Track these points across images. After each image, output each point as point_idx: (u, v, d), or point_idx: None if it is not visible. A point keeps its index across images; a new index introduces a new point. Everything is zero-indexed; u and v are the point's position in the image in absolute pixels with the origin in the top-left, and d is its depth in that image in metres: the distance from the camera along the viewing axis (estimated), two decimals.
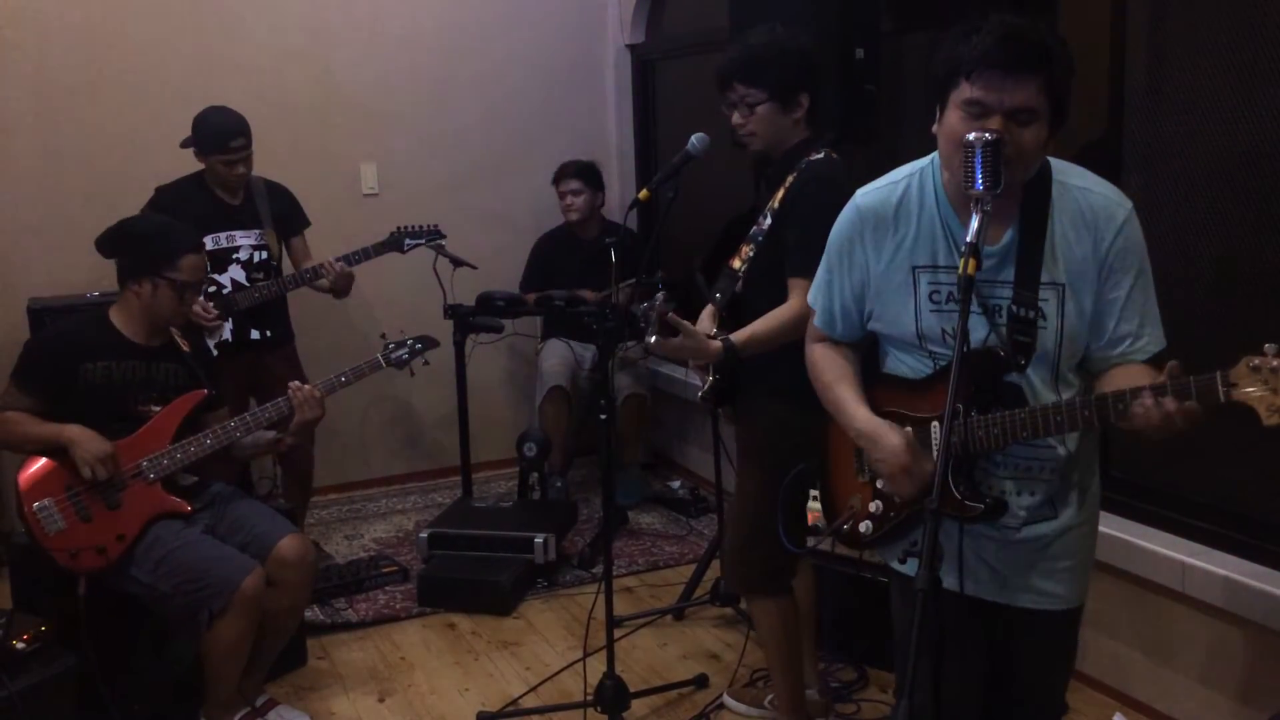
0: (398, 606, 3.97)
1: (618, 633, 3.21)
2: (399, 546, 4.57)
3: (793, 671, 2.92)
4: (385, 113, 5.13)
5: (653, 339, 2.37)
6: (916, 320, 1.90)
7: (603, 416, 2.94)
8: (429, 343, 3.53)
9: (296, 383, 3.12)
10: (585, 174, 5.01)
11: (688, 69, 5.31)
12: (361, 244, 4.11)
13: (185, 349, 3.18)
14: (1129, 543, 3.01)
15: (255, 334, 4.05)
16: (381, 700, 3.37)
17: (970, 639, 1.98)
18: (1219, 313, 2.97)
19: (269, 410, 3.10)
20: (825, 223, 2.06)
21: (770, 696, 3.09)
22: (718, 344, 2.48)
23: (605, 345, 3.04)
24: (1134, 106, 3.08)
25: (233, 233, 4.01)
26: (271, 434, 3.15)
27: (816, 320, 2.09)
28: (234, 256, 4.01)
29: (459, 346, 4.69)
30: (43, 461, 2.95)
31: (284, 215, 4.15)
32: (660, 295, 2.42)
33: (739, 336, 2.51)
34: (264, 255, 4.06)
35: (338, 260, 4.03)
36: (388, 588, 4.13)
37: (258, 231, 4.06)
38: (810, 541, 2.46)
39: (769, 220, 2.63)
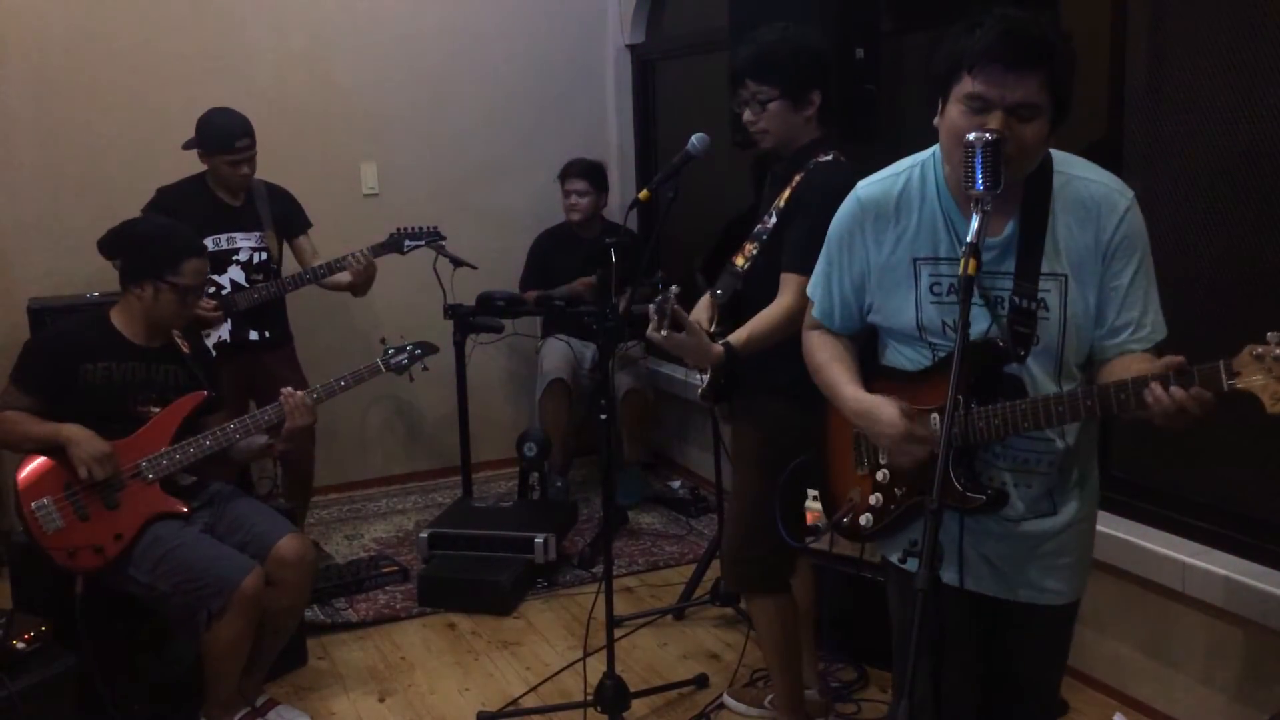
0: (398, 606, 3.97)
1: (618, 633, 3.21)
2: (399, 546, 4.57)
3: (792, 670, 2.92)
4: (385, 113, 5.13)
5: (663, 332, 2.37)
6: (917, 312, 1.90)
7: (603, 416, 2.94)
8: (428, 348, 3.52)
9: (289, 389, 3.11)
10: (592, 175, 5.01)
11: (688, 69, 5.31)
12: (361, 244, 4.11)
13: (185, 350, 3.18)
14: (1129, 542, 3.01)
15: (254, 335, 4.05)
16: (381, 700, 3.38)
17: (969, 636, 1.98)
18: (1219, 311, 2.97)
19: (264, 415, 3.09)
20: (826, 224, 2.06)
21: (770, 696, 3.09)
22: (719, 347, 2.49)
23: (605, 345, 3.03)
24: (1134, 106, 3.08)
25: (233, 234, 4.01)
26: (264, 439, 3.14)
27: (815, 311, 2.09)
28: (234, 258, 4.01)
29: (459, 346, 4.69)
30: (41, 460, 2.95)
31: (284, 217, 4.15)
32: (674, 289, 2.42)
33: (738, 338, 2.51)
34: (263, 257, 4.06)
35: (335, 261, 4.03)
36: (388, 588, 4.13)
37: (258, 234, 4.06)
38: (810, 539, 2.46)
39: (774, 219, 2.62)
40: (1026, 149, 1.73)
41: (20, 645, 2.77)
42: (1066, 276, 1.81)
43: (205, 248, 3.25)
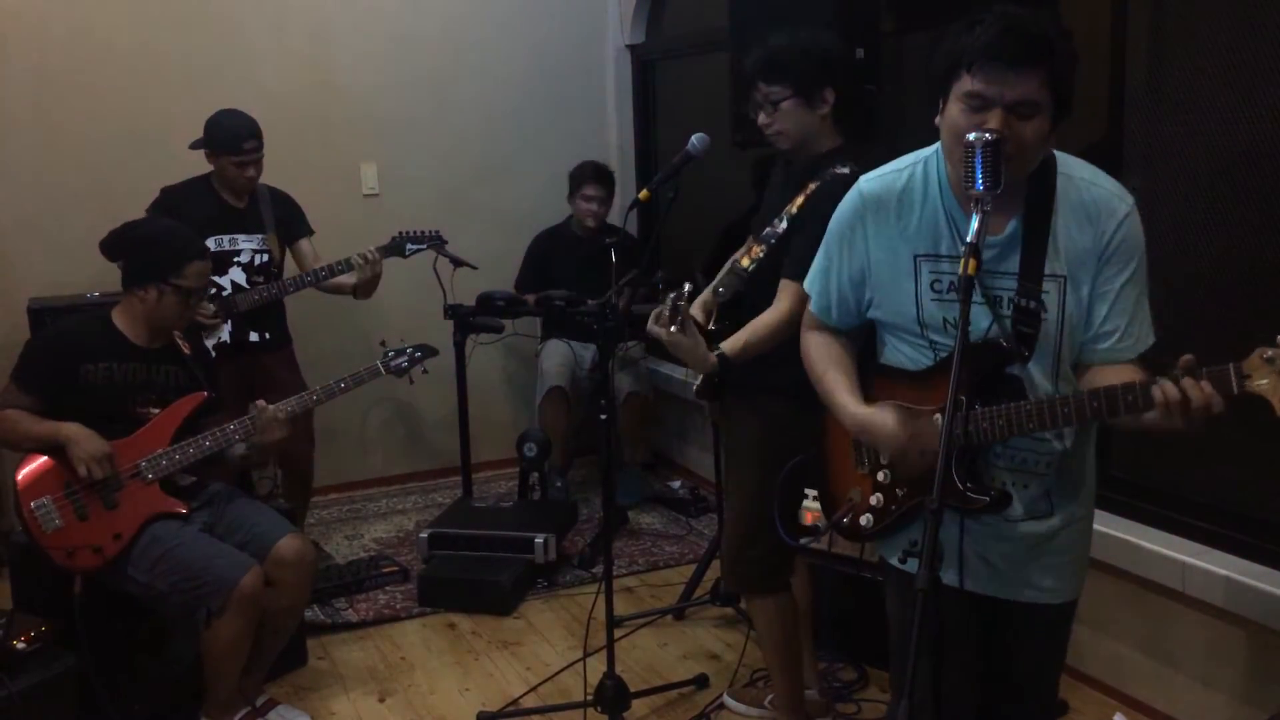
0: (398, 606, 3.97)
1: (618, 633, 3.21)
2: (399, 546, 4.57)
3: (792, 670, 2.92)
4: (385, 113, 5.13)
5: (672, 328, 2.37)
6: (918, 308, 1.90)
7: (603, 416, 2.94)
8: (428, 351, 3.53)
9: (261, 402, 3.09)
10: (607, 179, 5.05)
11: (688, 69, 5.31)
12: (361, 245, 4.10)
13: (186, 352, 3.18)
14: (1129, 542, 3.01)
15: (254, 336, 4.05)
16: (382, 700, 3.37)
17: (968, 636, 1.98)
18: (1220, 311, 2.97)
19: (237, 428, 3.07)
20: None
21: (770, 696, 3.09)
22: (713, 357, 2.48)
23: (605, 345, 3.03)
24: (1134, 106, 3.08)
25: (236, 235, 4.02)
26: (243, 448, 3.13)
27: (812, 306, 2.08)
28: (235, 259, 4.01)
29: (459, 347, 4.69)
30: (41, 460, 2.95)
31: (287, 221, 4.16)
32: (688, 287, 2.42)
33: (733, 346, 2.50)
34: (265, 259, 4.07)
35: (338, 264, 4.03)
36: (388, 588, 4.13)
37: (260, 236, 4.06)
38: (807, 539, 2.46)
39: (784, 224, 2.60)
40: (1026, 147, 1.73)
41: (20, 645, 2.77)
42: (1066, 278, 1.81)
43: (208, 250, 3.24)
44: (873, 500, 2.00)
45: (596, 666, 3.12)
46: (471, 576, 3.98)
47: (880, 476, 1.99)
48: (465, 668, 3.56)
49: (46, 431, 2.94)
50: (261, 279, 4.04)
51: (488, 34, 5.28)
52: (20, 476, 2.94)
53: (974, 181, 1.69)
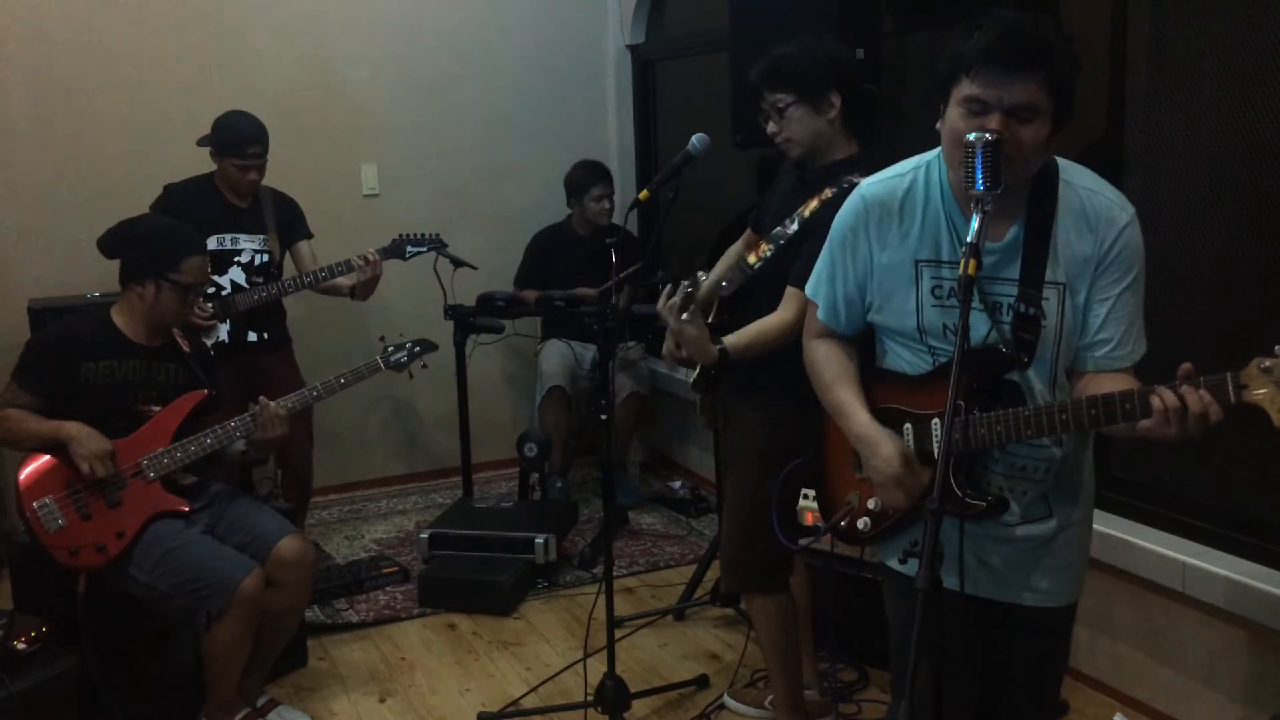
0: (398, 607, 3.97)
1: (618, 633, 3.21)
2: (399, 547, 4.57)
3: (790, 669, 2.92)
4: (386, 114, 5.13)
5: (684, 316, 2.37)
6: (918, 314, 1.90)
7: (603, 417, 2.94)
8: (427, 346, 3.53)
9: (263, 399, 3.11)
10: (608, 176, 5.07)
11: (688, 69, 5.31)
12: (362, 245, 4.11)
13: (186, 349, 3.18)
14: (1129, 543, 3.01)
15: (253, 336, 4.05)
16: (382, 700, 3.38)
17: (968, 638, 1.98)
18: (1220, 311, 2.97)
19: (238, 425, 3.08)
20: None
21: (771, 697, 3.09)
22: (715, 350, 2.49)
23: (605, 345, 3.03)
24: (1134, 106, 3.08)
25: (237, 235, 4.02)
26: (242, 445, 3.14)
27: (820, 313, 2.07)
28: (236, 259, 4.02)
29: (459, 347, 4.69)
30: (43, 459, 2.95)
31: (287, 222, 4.16)
32: (701, 275, 2.41)
33: (735, 345, 2.51)
34: (265, 259, 4.07)
35: (337, 265, 4.03)
36: (388, 588, 4.13)
37: (262, 236, 4.06)
38: (804, 540, 2.46)
39: (795, 226, 2.59)
40: (1025, 151, 1.72)
41: (20, 646, 2.77)
42: (1065, 285, 1.81)
43: (205, 245, 3.25)
44: (871, 504, 2.00)
45: (597, 667, 3.12)
46: (472, 577, 3.98)
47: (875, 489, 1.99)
48: (466, 668, 3.56)
49: (48, 430, 2.94)
50: (261, 279, 4.05)
51: (488, 34, 5.28)
52: (22, 476, 2.94)
53: (974, 181, 1.69)
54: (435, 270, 4.52)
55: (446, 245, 4.37)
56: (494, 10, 5.28)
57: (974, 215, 1.71)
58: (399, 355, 3.45)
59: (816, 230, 2.52)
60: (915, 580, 1.56)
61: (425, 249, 4.27)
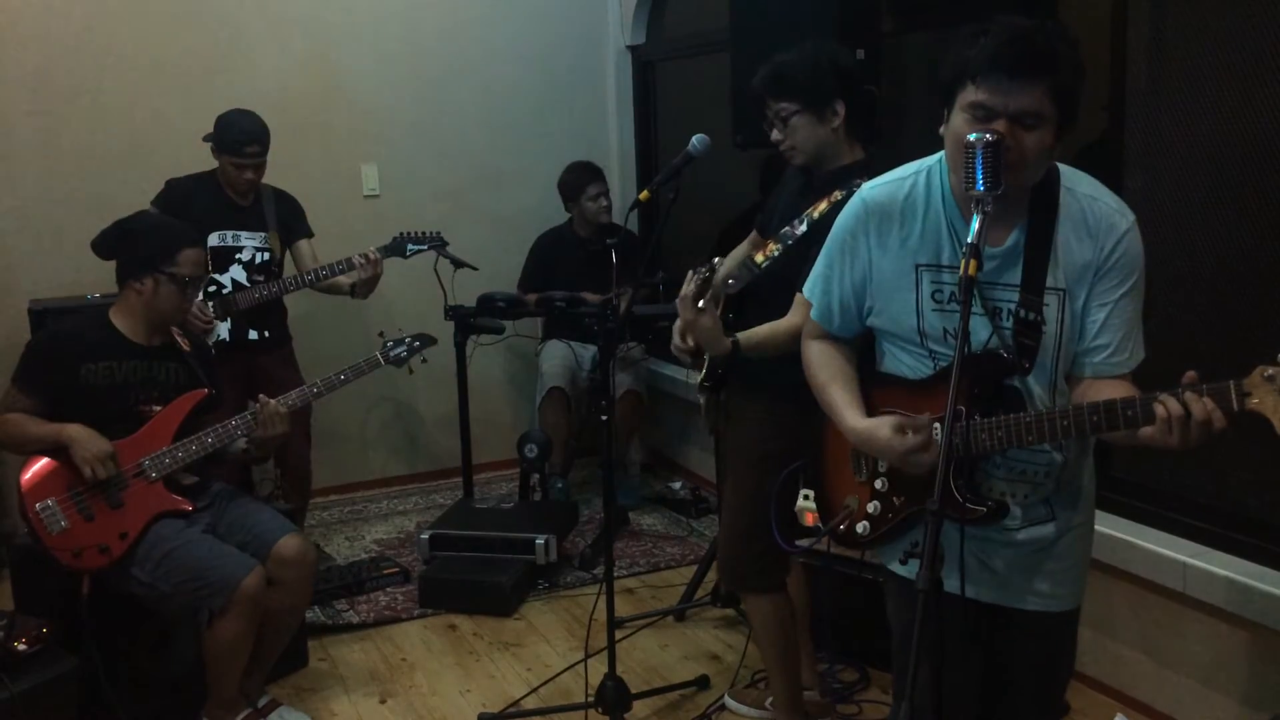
0: (399, 607, 3.98)
1: (619, 634, 3.21)
2: (400, 547, 4.57)
3: (788, 668, 2.92)
4: (386, 114, 5.13)
5: (700, 303, 2.36)
6: (919, 318, 1.90)
7: (604, 417, 2.94)
8: (427, 340, 3.54)
9: (263, 397, 3.11)
10: (600, 175, 5.07)
11: (688, 70, 5.31)
12: (362, 245, 4.11)
13: (186, 348, 3.18)
14: (1130, 543, 3.01)
15: (253, 334, 4.06)
16: (383, 701, 3.38)
17: (969, 641, 1.98)
18: (1220, 310, 2.97)
19: (239, 423, 3.08)
20: None
21: (771, 698, 3.09)
22: (728, 342, 2.48)
23: (605, 346, 3.03)
24: (1134, 106, 3.08)
25: (238, 232, 4.03)
26: (243, 443, 3.14)
27: (814, 314, 2.08)
28: (237, 256, 4.02)
29: (460, 348, 4.69)
30: (45, 461, 2.95)
31: (288, 221, 4.16)
32: (717, 260, 2.40)
33: (748, 340, 2.50)
34: (266, 257, 4.07)
35: (338, 263, 4.04)
36: (389, 589, 4.13)
37: (262, 234, 4.07)
38: (804, 542, 2.47)
39: (804, 226, 2.59)
40: (1028, 157, 1.72)
41: (21, 647, 2.77)
42: (1065, 291, 1.81)
43: (200, 238, 3.25)
44: (869, 508, 2.00)
45: (597, 668, 3.12)
46: (472, 577, 3.98)
47: (878, 484, 1.99)
48: (466, 669, 3.56)
49: (48, 433, 2.94)
50: (262, 277, 4.05)
51: (488, 35, 5.28)
52: (25, 479, 2.95)
53: (974, 182, 1.69)
54: (436, 271, 4.52)
55: (447, 244, 4.37)
56: (494, 11, 5.28)
57: (974, 216, 1.71)
58: (399, 350, 3.45)
59: (826, 232, 2.53)
60: (916, 581, 1.56)
61: (426, 247, 4.27)
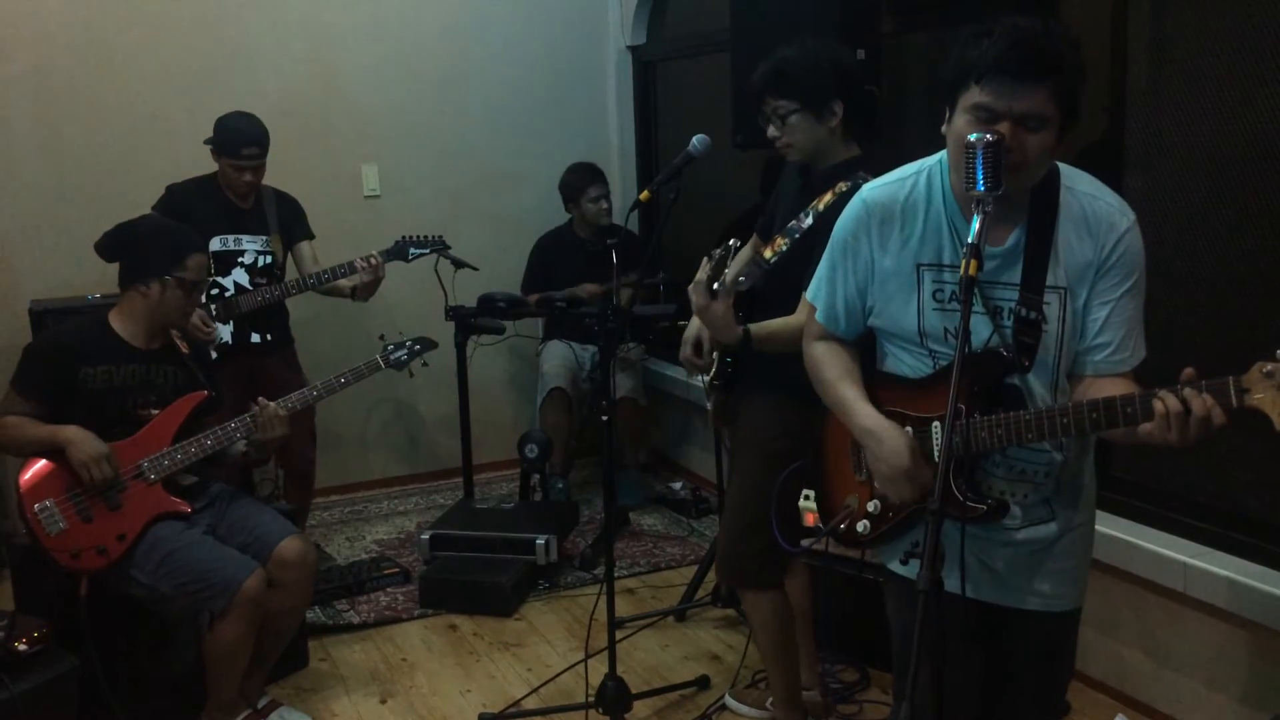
0: (399, 608, 3.98)
1: (619, 634, 3.21)
2: (400, 548, 4.57)
3: (787, 666, 2.92)
4: (387, 115, 5.13)
5: (716, 285, 2.34)
6: (919, 318, 1.90)
7: (604, 418, 2.94)
8: (427, 344, 3.54)
9: (263, 399, 3.11)
10: (601, 176, 5.07)
11: (689, 70, 5.31)
12: (363, 246, 4.11)
13: (185, 351, 3.18)
14: (1130, 543, 3.01)
15: (255, 337, 4.06)
16: (383, 701, 3.38)
17: (970, 641, 1.98)
18: (1221, 310, 2.97)
19: (238, 426, 3.08)
20: None
21: (772, 698, 3.09)
22: (739, 330, 2.47)
23: (606, 346, 3.03)
24: (1134, 106, 3.08)
25: (240, 236, 4.03)
26: (243, 445, 3.14)
27: (819, 317, 2.07)
28: (239, 259, 4.02)
29: (460, 348, 4.69)
30: (43, 463, 2.95)
31: (289, 222, 4.16)
32: (734, 243, 2.39)
33: (759, 331, 2.48)
34: (268, 260, 4.07)
35: (340, 267, 4.04)
36: (389, 589, 4.13)
37: (264, 237, 4.07)
38: (805, 542, 2.47)
39: (809, 220, 2.59)
40: (1029, 159, 1.72)
41: (22, 647, 2.77)
42: (1066, 290, 1.81)
43: (204, 243, 3.25)
44: (870, 507, 2.00)
45: (598, 668, 3.12)
46: (473, 578, 3.98)
47: (879, 484, 1.99)
48: (467, 669, 3.56)
49: (46, 435, 2.94)
50: (264, 280, 4.05)
51: (489, 35, 5.28)
52: (23, 480, 2.95)
53: (975, 182, 1.69)
54: (436, 271, 4.52)
55: (449, 247, 4.38)
56: (494, 11, 5.28)
57: (975, 216, 1.71)
58: (399, 354, 3.45)
59: (831, 223, 2.52)
60: (917, 581, 1.56)
61: (428, 250, 4.27)
